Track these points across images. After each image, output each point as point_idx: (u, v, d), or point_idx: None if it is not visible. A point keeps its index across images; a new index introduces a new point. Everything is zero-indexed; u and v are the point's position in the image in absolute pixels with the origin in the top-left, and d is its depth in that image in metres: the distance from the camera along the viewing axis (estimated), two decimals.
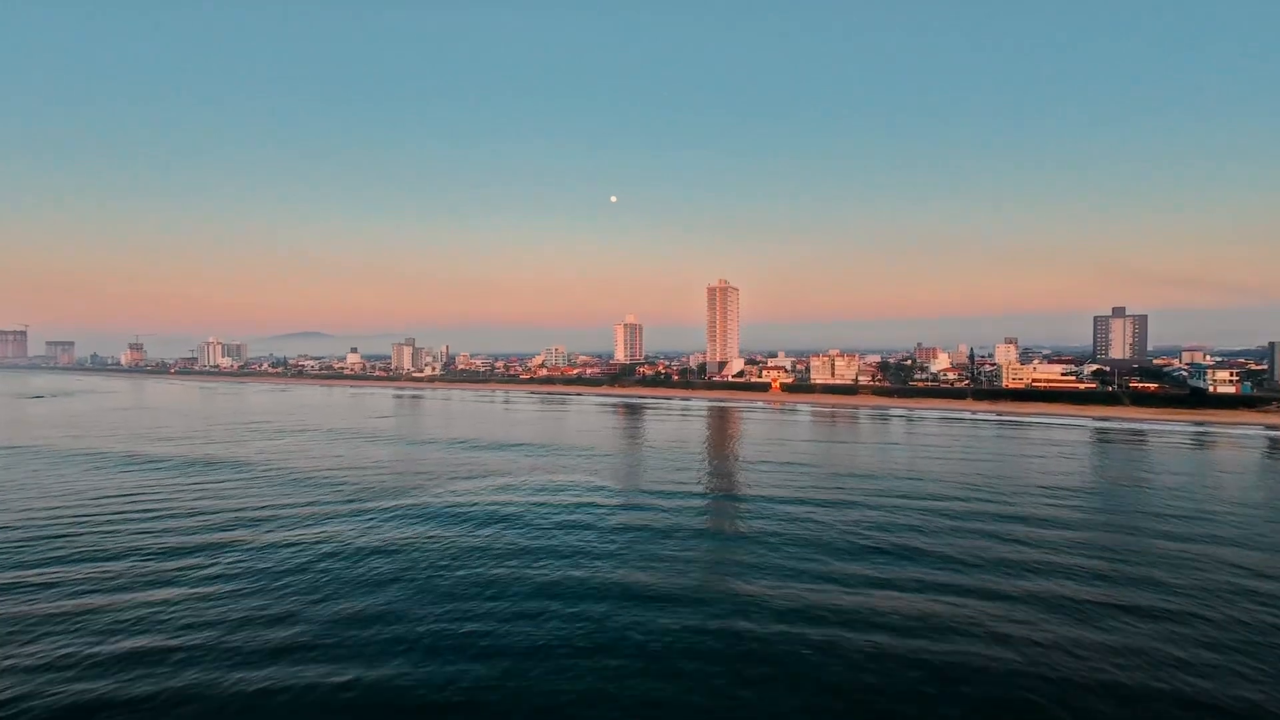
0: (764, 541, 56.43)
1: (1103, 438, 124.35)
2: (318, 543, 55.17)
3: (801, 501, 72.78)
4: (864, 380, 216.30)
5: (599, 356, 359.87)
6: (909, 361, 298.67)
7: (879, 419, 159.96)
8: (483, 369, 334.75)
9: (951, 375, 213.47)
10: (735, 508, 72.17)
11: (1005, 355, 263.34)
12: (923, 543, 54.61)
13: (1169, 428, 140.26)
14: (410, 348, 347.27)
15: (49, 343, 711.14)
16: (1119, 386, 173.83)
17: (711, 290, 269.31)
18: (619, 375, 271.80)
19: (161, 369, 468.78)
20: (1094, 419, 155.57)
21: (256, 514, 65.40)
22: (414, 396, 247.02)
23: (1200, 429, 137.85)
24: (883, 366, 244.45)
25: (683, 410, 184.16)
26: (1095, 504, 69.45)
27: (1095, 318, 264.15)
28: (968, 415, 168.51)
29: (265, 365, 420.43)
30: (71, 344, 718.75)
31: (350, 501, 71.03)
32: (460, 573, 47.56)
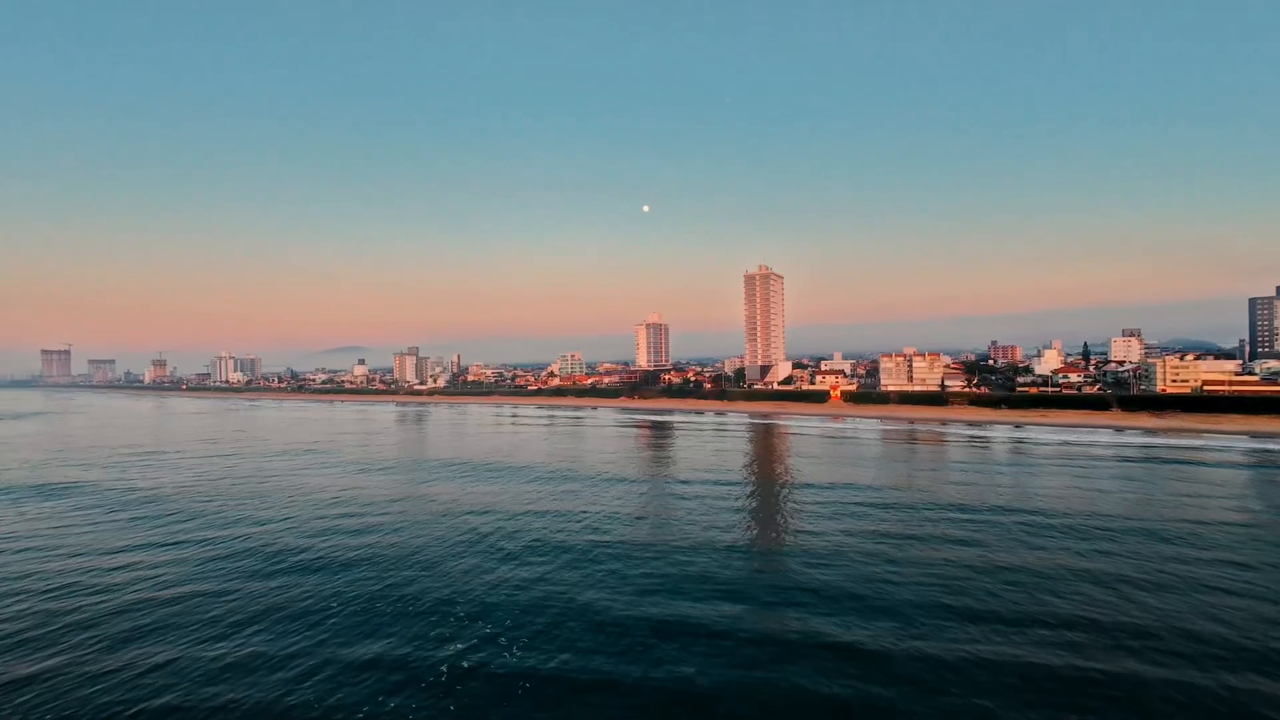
0: None
1: None
2: None
3: (940, 630, 32.75)
4: (954, 386, 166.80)
5: (624, 364, 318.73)
6: (990, 362, 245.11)
7: (994, 442, 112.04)
8: (493, 379, 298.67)
9: (1074, 378, 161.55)
10: (813, 646, 29.65)
11: (1126, 351, 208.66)
12: None
13: None
14: (414, 358, 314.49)
15: (90, 361, 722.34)
16: None
17: (750, 278, 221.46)
18: (640, 385, 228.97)
19: (176, 384, 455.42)
20: None
21: None
22: (401, 412, 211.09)
23: None
24: (971, 368, 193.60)
25: (716, 428, 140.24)
26: None
27: (1252, 300, 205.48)
28: (1111, 432, 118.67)
29: (274, 380, 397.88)
30: (112, 361, 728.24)
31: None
32: None
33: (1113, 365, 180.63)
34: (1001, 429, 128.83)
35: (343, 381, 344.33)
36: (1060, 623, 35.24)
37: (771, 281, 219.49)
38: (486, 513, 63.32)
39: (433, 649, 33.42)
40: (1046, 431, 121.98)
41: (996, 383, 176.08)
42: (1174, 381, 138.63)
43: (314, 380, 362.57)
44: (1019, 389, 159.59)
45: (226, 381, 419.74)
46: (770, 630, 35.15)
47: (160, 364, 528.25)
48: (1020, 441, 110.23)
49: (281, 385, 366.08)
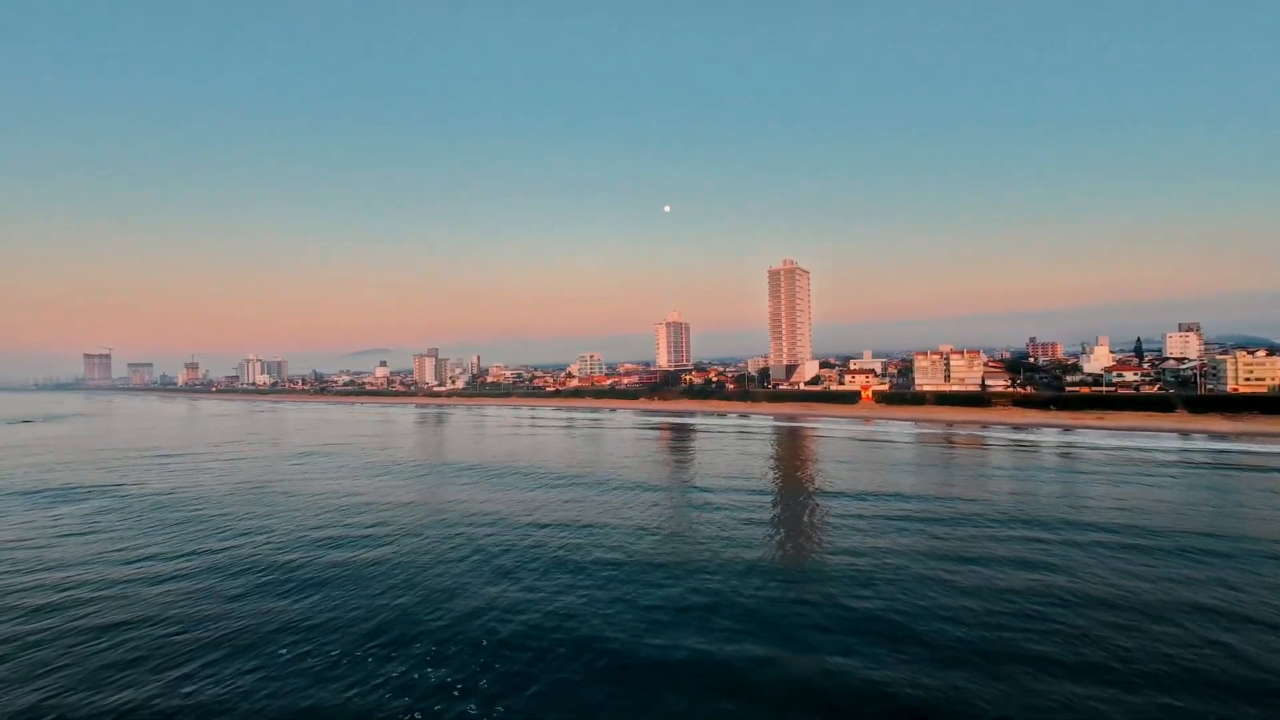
0: None
1: None
2: None
3: (1035, 690, 22.99)
4: (995, 385, 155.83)
5: (644, 365, 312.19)
6: (1030, 360, 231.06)
7: (1047, 447, 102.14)
8: (511, 380, 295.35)
9: (1130, 376, 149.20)
10: (873, 714, 22.36)
11: (1183, 346, 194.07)
12: None
13: None
14: (433, 360, 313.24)
15: (129, 364, 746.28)
16: None
17: (774, 274, 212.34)
18: (660, 385, 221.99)
19: (206, 387, 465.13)
20: None
21: None
22: (415, 414, 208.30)
23: None
24: (1013, 366, 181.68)
25: (740, 431, 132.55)
26: None
27: None
28: (1176, 436, 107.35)
29: (298, 383, 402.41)
30: (150, 365, 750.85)
31: None
32: None
33: (1171, 362, 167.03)
34: (1051, 433, 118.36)
35: (364, 384, 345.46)
36: (1201, 681, 27.25)
37: (797, 277, 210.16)
38: (486, 524, 57.31)
39: (384, 701, 27.17)
40: (1103, 436, 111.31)
41: (1043, 382, 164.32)
42: (1247, 380, 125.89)
43: (336, 382, 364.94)
44: (1068, 388, 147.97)
45: (254, 384, 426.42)
46: (812, 683, 28.00)
47: (193, 367, 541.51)
48: (1076, 446, 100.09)
49: (305, 387, 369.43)
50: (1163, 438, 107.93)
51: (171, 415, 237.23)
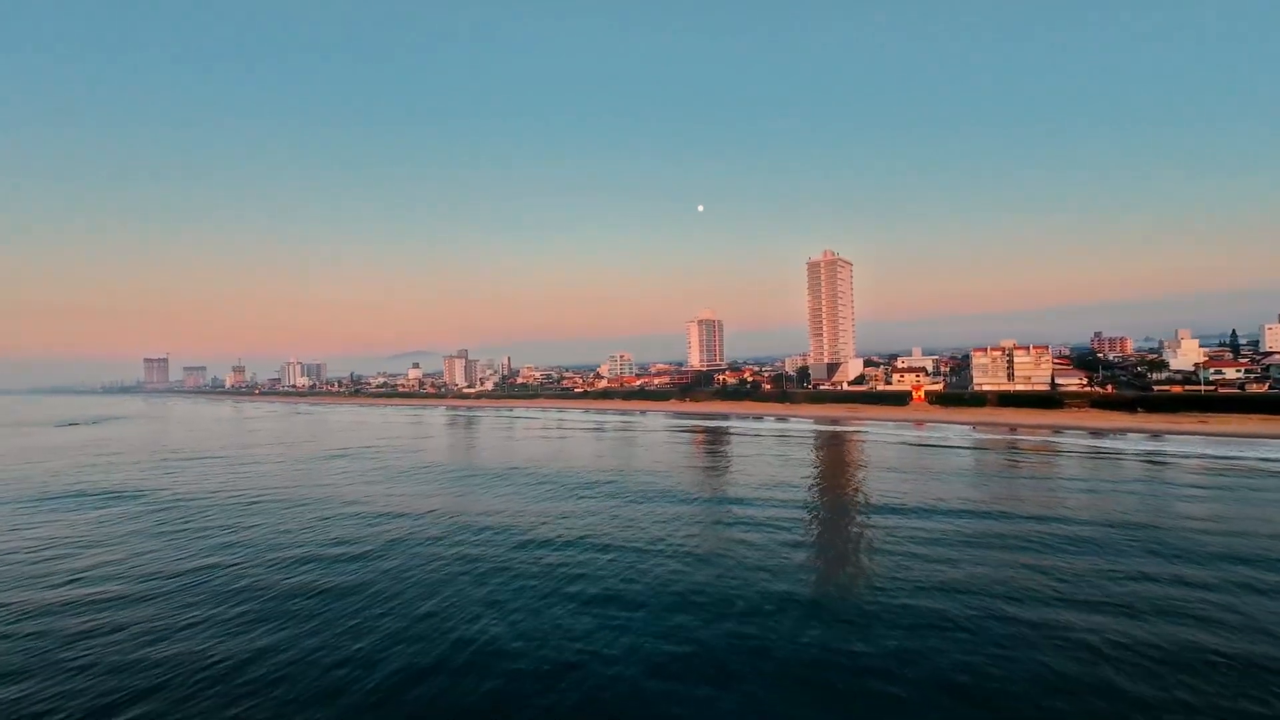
0: None
1: None
2: None
3: None
4: (1068, 384, 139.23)
5: (675, 364, 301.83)
6: (1099, 355, 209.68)
7: (1145, 458, 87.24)
8: (540, 381, 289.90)
9: (1232, 373, 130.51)
10: None
11: None
12: None
13: None
14: (463, 361, 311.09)
15: (185, 367, 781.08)
16: None
17: (814, 266, 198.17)
18: (691, 386, 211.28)
19: (250, 389, 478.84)
20: None
21: None
22: (440, 416, 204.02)
23: None
24: (1087, 363, 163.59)
25: (778, 435, 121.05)
26: None
27: None
28: None
29: (335, 385, 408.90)
30: (203, 368, 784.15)
31: None
32: None
33: (1277, 357, 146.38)
34: (1138, 439, 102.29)
35: (397, 385, 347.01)
36: None
37: (839, 269, 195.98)
38: (495, 543, 48.96)
39: None
40: (1205, 443, 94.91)
41: (1123, 380, 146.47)
42: None
43: (371, 384, 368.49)
44: (1156, 387, 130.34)
45: (293, 386, 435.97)
46: None
47: (239, 370, 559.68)
48: (1175, 456, 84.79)
49: (340, 390, 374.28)
50: (1270, 445, 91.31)
51: (213, 417, 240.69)
